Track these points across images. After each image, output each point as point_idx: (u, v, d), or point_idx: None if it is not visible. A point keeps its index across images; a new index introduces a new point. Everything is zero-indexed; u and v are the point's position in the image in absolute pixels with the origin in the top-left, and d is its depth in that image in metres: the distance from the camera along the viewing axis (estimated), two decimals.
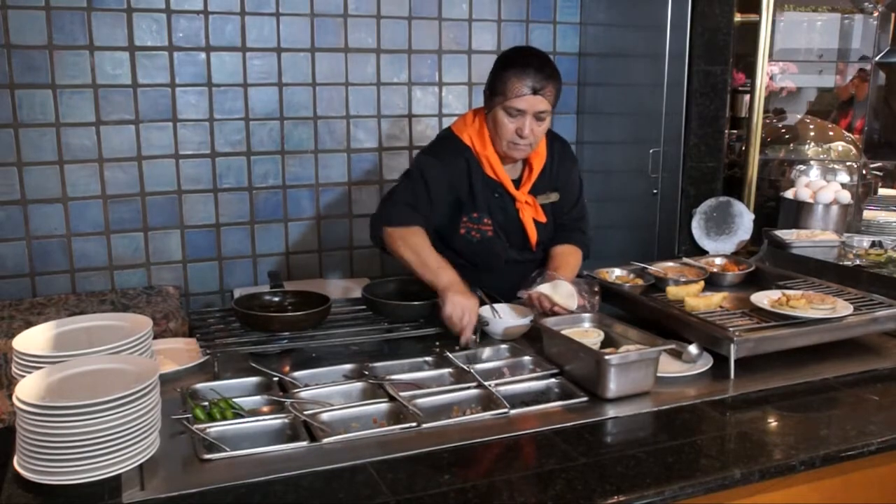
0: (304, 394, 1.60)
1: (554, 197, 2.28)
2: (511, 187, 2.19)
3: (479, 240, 2.20)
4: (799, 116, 3.86)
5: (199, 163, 3.41)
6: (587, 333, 1.81)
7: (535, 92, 2.03)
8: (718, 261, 2.46)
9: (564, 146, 2.33)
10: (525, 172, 2.23)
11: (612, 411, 1.57)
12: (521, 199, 2.21)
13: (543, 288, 2.03)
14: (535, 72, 2.03)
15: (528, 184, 2.22)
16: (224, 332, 1.91)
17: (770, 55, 3.35)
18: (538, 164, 2.22)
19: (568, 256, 2.27)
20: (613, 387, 1.60)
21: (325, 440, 1.41)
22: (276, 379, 1.66)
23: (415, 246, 2.03)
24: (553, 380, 1.70)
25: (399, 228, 2.07)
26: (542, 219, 2.25)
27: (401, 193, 2.15)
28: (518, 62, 2.06)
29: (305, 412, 1.49)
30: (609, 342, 1.79)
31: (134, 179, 3.32)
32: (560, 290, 2.01)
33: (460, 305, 1.89)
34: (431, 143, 2.28)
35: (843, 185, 3.07)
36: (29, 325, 1.58)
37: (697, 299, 1.99)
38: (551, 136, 2.28)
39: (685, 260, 2.43)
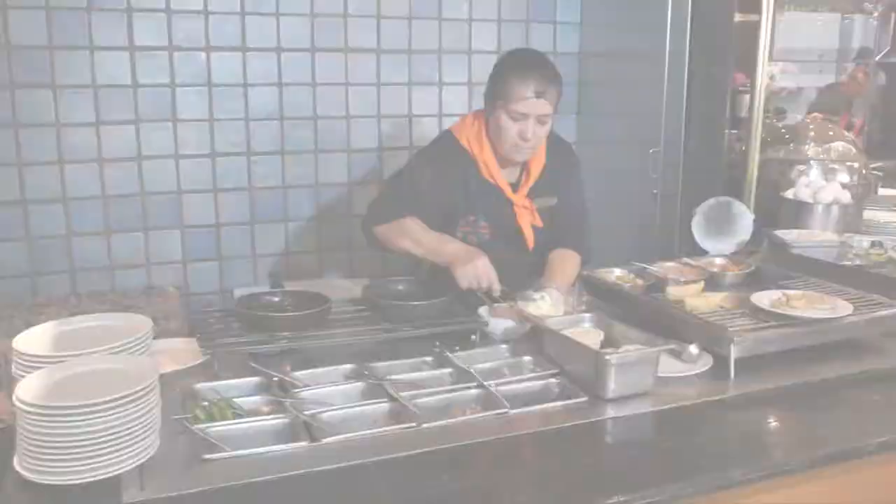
0: (304, 394, 1.60)
1: (552, 201, 2.26)
2: (508, 191, 2.18)
3: (476, 243, 2.19)
4: (799, 117, 3.86)
5: (199, 163, 3.41)
6: (587, 333, 1.81)
7: (538, 96, 2.02)
8: (718, 261, 2.46)
9: (567, 150, 2.31)
10: (523, 176, 2.22)
11: (612, 411, 1.56)
12: (518, 202, 2.20)
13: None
14: (539, 75, 2.02)
15: (526, 187, 2.21)
16: (224, 332, 1.90)
17: (770, 55, 3.35)
18: (536, 167, 2.21)
19: (563, 262, 2.25)
20: (613, 387, 1.60)
21: (325, 440, 1.41)
22: (276, 379, 1.66)
23: (409, 232, 2.03)
24: (553, 380, 1.70)
25: (388, 225, 2.07)
26: (539, 223, 2.24)
27: (386, 193, 2.18)
28: (520, 65, 2.05)
29: (305, 412, 1.49)
30: (609, 342, 1.79)
31: (134, 179, 3.32)
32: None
33: (471, 273, 1.93)
34: (428, 145, 2.28)
35: (843, 185, 3.07)
36: (29, 325, 1.57)
37: (697, 299, 1.99)
38: (553, 140, 2.25)
39: (685, 260, 2.43)
